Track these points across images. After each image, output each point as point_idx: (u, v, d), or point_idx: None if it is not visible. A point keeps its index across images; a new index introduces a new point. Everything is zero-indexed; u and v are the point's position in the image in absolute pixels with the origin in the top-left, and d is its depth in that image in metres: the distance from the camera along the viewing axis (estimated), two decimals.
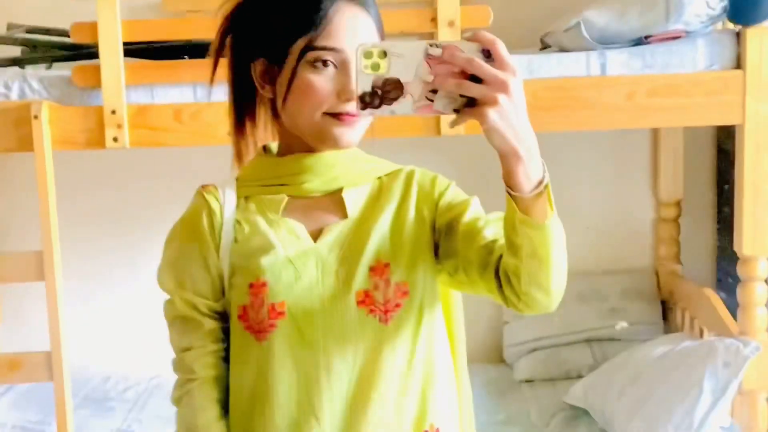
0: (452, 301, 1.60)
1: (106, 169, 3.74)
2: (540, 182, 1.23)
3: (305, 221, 1.48)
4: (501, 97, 1.16)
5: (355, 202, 1.50)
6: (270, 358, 1.43)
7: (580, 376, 3.39)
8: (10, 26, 3.33)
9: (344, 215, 1.49)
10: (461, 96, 1.19)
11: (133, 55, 2.79)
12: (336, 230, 1.48)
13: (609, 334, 3.59)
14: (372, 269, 1.44)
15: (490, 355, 3.81)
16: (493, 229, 1.41)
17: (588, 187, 3.81)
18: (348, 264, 1.45)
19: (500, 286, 1.35)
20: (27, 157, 2.65)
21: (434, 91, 1.20)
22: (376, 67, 1.20)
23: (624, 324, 3.34)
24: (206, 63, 2.44)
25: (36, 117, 2.56)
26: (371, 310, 1.43)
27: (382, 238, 1.46)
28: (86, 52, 2.80)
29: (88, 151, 2.89)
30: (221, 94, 2.66)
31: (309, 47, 1.39)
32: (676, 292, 3.65)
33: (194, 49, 2.79)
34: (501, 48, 1.18)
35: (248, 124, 1.53)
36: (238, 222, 1.48)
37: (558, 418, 3.16)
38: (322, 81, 1.39)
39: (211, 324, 1.49)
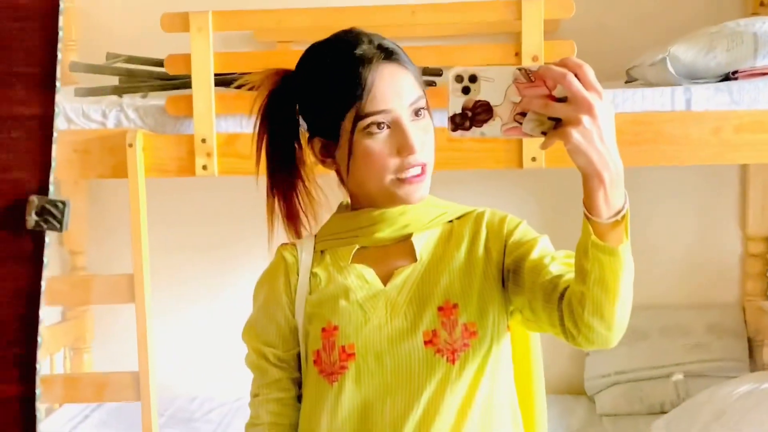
0: (531, 341, 1.62)
1: (197, 196, 3.83)
2: (619, 211, 1.25)
3: (376, 266, 1.53)
4: (585, 118, 1.18)
5: (425, 245, 1.54)
6: (340, 398, 1.47)
7: (663, 412, 3.36)
8: (109, 56, 3.44)
9: (414, 259, 1.53)
10: (549, 119, 1.22)
11: (225, 85, 2.86)
12: (405, 273, 1.52)
13: (694, 370, 3.54)
14: (440, 309, 1.48)
15: (571, 387, 3.79)
16: (558, 265, 1.42)
17: (675, 219, 3.78)
18: (416, 305, 1.49)
19: (561, 318, 1.36)
20: (122, 183, 2.74)
21: (523, 114, 1.24)
22: (466, 90, 1.25)
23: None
24: None
25: (131, 145, 2.66)
26: (438, 350, 1.46)
27: (450, 279, 1.50)
28: (180, 82, 2.89)
29: (181, 178, 2.99)
30: None
31: (359, 116, 1.44)
32: (762, 329, 3.59)
33: None
34: (588, 72, 1.20)
35: (294, 193, 1.61)
36: (313, 274, 1.55)
37: None
38: (379, 145, 1.44)
39: (277, 373, 1.57)
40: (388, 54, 1.47)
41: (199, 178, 2.92)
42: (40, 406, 1.08)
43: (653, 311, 3.73)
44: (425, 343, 1.46)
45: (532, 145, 2.65)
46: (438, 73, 2.88)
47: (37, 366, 1.07)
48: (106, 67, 3.24)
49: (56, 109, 0.94)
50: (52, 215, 1.02)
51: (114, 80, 3.16)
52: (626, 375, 3.60)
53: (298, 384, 1.57)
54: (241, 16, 2.73)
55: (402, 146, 1.44)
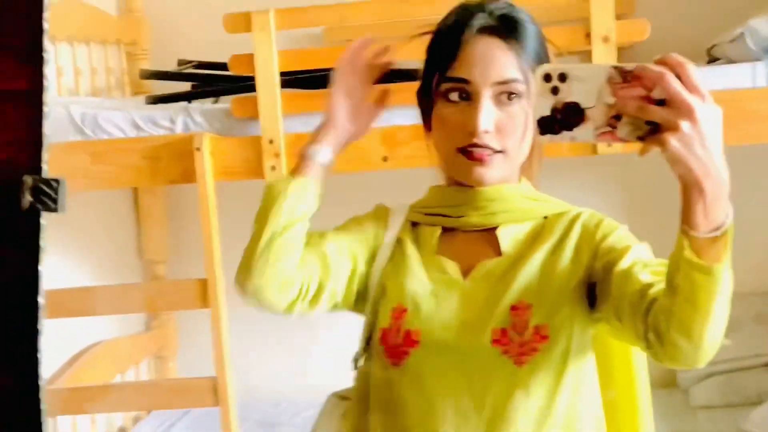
0: (632, 354, 1.52)
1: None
2: (719, 226, 1.14)
3: (459, 258, 1.47)
4: (684, 124, 1.07)
5: (512, 239, 1.47)
6: (401, 384, 1.42)
7: (760, 402, 3.23)
8: (181, 62, 3.46)
9: (498, 253, 1.46)
10: (646, 123, 1.12)
11: (293, 85, 2.84)
12: (486, 267, 1.46)
13: None
14: (513, 308, 1.40)
15: (664, 380, 3.67)
16: (649, 274, 1.31)
17: (765, 202, 3.64)
18: (491, 301, 1.41)
19: (646, 331, 1.26)
20: (192, 187, 2.73)
21: (618, 118, 1.13)
22: (555, 91, 1.15)
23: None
24: None
25: (198, 149, 2.65)
26: (505, 351, 1.38)
27: (529, 277, 1.42)
28: (248, 84, 2.87)
29: (257, 182, 2.97)
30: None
31: (441, 79, 1.41)
32: None
33: None
34: (690, 72, 1.09)
35: None
36: (399, 241, 1.50)
37: None
38: (452, 113, 1.41)
39: (322, 247, 1.47)
40: (498, 27, 1.41)
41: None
42: (42, 398, 1.04)
43: (747, 299, 3.60)
44: (493, 341, 1.38)
45: None
46: None
47: (38, 356, 1.03)
48: (176, 73, 3.25)
49: (46, 83, 0.91)
50: (47, 195, 0.99)
51: (186, 87, 3.16)
52: (721, 366, 3.46)
53: (316, 265, 1.46)
54: (304, 13, 2.70)
55: (468, 121, 1.38)
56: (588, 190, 3.55)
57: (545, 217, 1.49)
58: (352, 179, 3.40)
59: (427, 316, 1.42)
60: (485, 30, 1.41)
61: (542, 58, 1.45)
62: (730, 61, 2.72)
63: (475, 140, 1.38)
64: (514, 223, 1.48)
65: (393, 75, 2.78)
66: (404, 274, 1.47)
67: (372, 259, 1.51)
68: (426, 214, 1.52)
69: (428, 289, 1.44)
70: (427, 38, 1.50)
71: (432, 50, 1.47)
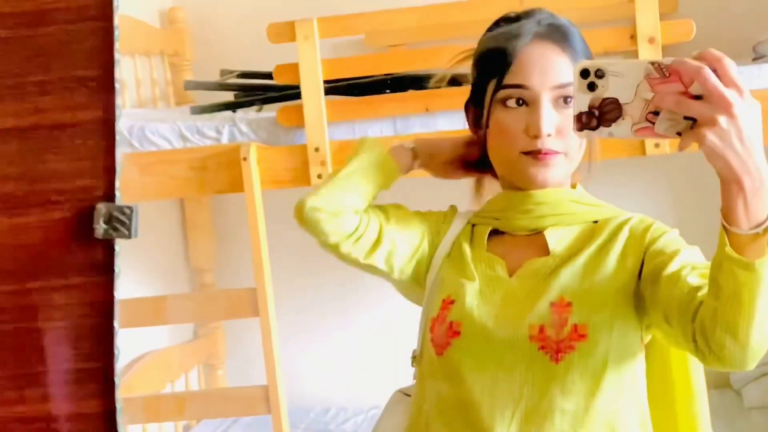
0: (689, 361, 1.50)
1: None
2: (761, 223, 1.13)
3: (507, 258, 1.49)
4: (721, 118, 1.07)
5: (559, 241, 1.47)
6: (444, 374, 1.44)
7: None
8: (223, 72, 3.47)
9: (546, 254, 1.47)
10: (685, 118, 1.12)
11: (338, 92, 2.85)
12: (534, 266, 1.46)
13: None
14: (552, 305, 1.40)
15: (716, 380, 3.64)
16: (697, 277, 1.30)
17: None
18: (532, 297, 1.42)
19: (694, 333, 1.24)
20: (241, 200, 2.74)
21: (656, 113, 1.13)
22: (592, 86, 1.16)
23: None
24: (405, 96, 2.51)
25: (245, 159, 2.66)
26: (542, 347, 1.38)
27: (572, 276, 1.42)
28: (292, 93, 2.88)
29: (298, 189, 2.98)
30: (419, 126, 2.69)
31: (498, 86, 1.43)
32: None
33: (395, 83, 2.81)
34: (728, 66, 1.09)
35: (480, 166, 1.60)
36: (455, 242, 1.53)
37: None
38: (512, 119, 1.42)
39: (380, 215, 1.55)
40: (549, 33, 1.44)
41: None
42: (121, 421, 1.05)
43: None
44: (530, 337, 1.39)
45: None
46: None
47: (116, 380, 1.04)
48: (219, 83, 3.27)
49: (117, 113, 0.93)
50: (121, 222, 1.01)
51: (230, 96, 3.18)
52: None
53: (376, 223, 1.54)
54: (347, 21, 2.70)
55: (530, 125, 1.40)
56: (636, 191, 3.53)
57: (595, 222, 1.49)
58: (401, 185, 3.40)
59: (469, 309, 1.43)
60: (538, 36, 1.43)
61: (590, 59, 1.44)
62: None
63: (538, 144, 1.40)
64: (561, 226, 1.48)
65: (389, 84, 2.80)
66: (457, 267, 1.50)
67: (434, 246, 1.55)
68: (482, 216, 1.55)
69: (476, 283, 1.46)
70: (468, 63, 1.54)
71: (484, 59, 1.48)
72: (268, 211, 2.79)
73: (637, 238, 1.43)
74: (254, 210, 2.66)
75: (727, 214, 1.13)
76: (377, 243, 1.53)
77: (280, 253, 3.46)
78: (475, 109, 1.51)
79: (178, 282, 3.92)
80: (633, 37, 2.53)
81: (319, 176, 2.67)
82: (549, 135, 1.40)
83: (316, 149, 2.67)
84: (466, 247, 1.52)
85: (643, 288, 1.39)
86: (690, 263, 1.34)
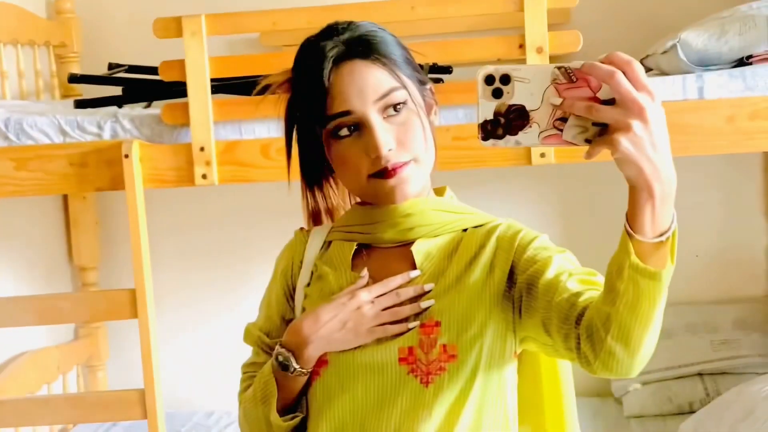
0: (558, 371, 1.50)
1: (198, 205, 3.78)
2: (665, 231, 1.12)
3: (373, 274, 1.45)
4: (635, 123, 1.04)
5: (427, 255, 1.44)
6: (313, 405, 1.41)
7: (692, 411, 3.25)
8: (111, 66, 3.39)
9: (414, 269, 1.44)
10: (594, 125, 1.09)
11: (226, 91, 2.79)
12: None
13: (721, 367, 3.44)
14: (422, 326, 1.38)
15: (598, 389, 3.69)
16: (576, 283, 1.29)
17: (697, 213, 3.66)
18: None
19: (578, 340, 1.24)
20: (121, 195, 2.68)
21: (563, 120, 1.10)
22: (498, 93, 1.11)
23: None
24: None
25: (127, 156, 2.59)
26: (412, 370, 1.36)
27: (440, 295, 1.39)
28: (182, 89, 2.82)
29: (181, 188, 2.92)
30: None
31: (324, 120, 1.38)
32: None
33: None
34: (638, 70, 1.07)
35: (318, 188, 1.55)
36: (315, 266, 1.49)
37: None
38: (349, 148, 1.38)
39: (264, 358, 1.53)
40: (351, 50, 1.38)
41: (205, 189, 2.85)
42: None
43: (678, 308, 3.62)
44: (400, 360, 1.37)
45: None
46: (448, 70, 2.79)
47: None
48: (105, 77, 3.19)
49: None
50: None
51: (117, 91, 3.10)
52: (653, 375, 3.48)
53: None
54: (235, 19, 2.65)
55: (369, 148, 1.36)
56: (522, 200, 3.56)
57: (465, 230, 1.47)
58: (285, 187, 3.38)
59: None
60: (341, 57, 1.38)
61: (407, 56, 1.44)
62: (663, 73, 2.73)
63: (383, 162, 1.36)
64: (430, 237, 1.45)
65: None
66: (320, 295, 1.46)
67: (291, 295, 1.53)
68: (345, 232, 1.50)
69: None
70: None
71: (300, 100, 1.43)
72: (151, 209, 2.73)
73: (505, 248, 1.41)
74: (135, 209, 2.59)
75: (633, 222, 1.11)
76: None
77: (164, 251, 3.40)
78: (308, 150, 1.47)
79: (60, 280, 3.82)
80: (522, 46, 2.53)
81: (204, 176, 2.61)
82: (390, 150, 1.36)
83: (201, 149, 2.61)
84: (327, 270, 1.48)
85: (517, 298, 1.37)
86: (566, 269, 1.32)
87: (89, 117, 2.73)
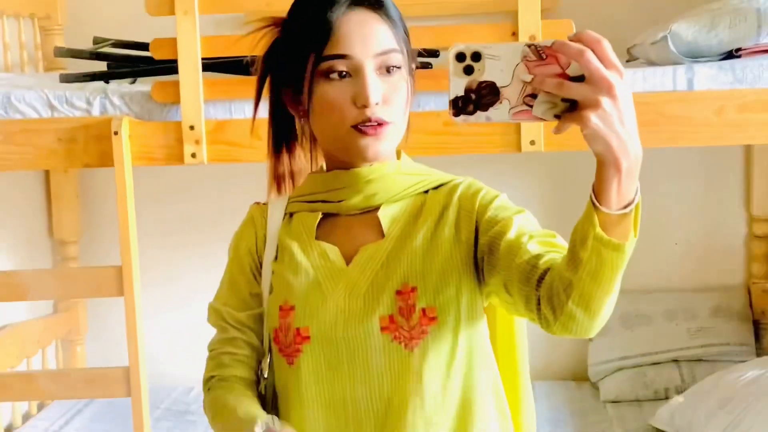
0: (512, 323, 1.53)
1: (185, 183, 3.78)
2: (629, 203, 1.13)
3: (340, 242, 1.45)
4: (604, 100, 1.05)
5: (393, 220, 1.45)
6: (298, 383, 1.41)
7: (667, 397, 3.30)
8: (96, 40, 3.36)
9: (381, 235, 1.44)
10: (563, 101, 1.10)
11: (216, 69, 2.79)
12: (369, 251, 1.43)
13: (698, 354, 3.49)
14: (398, 293, 1.39)
15: (575, 374, 3.73)
16: (537, 245, 1.31)
17: (678, 202, 3.71)
18: (376, 287, 1.40)
19: (538, 302, 1.26)
20: (109, 171, 2.67)
21: (533, 96, 1.11)
22: (469, 70, 1.12)
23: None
24: None
25: (116, 133, 2.58)
26: (395, 337, 1.37)
27: (412, 260, 1.40)
28: (168, 66, 2.81)
29: (175, 169, 2.92)
30: None
31: (319, 58, 1.36)
32: None
33: None
34: (607, 48, 1.08)
35: (290, 148, 1.55)
36: (280, 240, 1.49)
37: None
38: (338, 91, 1.36)
39: (234, 332, 1.50)
40: (366, 1, 1.38)
41: (193, 168, 2.84)
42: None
43: (657, 295, 3.68)
44: (382, 329, 1.38)
45: (531, 128, 2.57)
46: (434, 54, 2.79)
47: None
48: (92, 51, 3.16)
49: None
50: None
51: (102, 67, 3.08)
52: (630, 360, 3.54)
53: (253, 348, 1.50)
54: None
55: (358, 95, 1.35)
56: (510, 187, 3.57)
57: (426, 192, 1.48)
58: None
59: (314, 312, 1.41)
60: (354, 3, 1.38)
61: (407, 35, 1.44)
62: (651, 63, 2.75)
63: (368, 113, 1.35)
64: (394, 203, 1.46)
65: None
66: (288, 269, 1.45)
67: (258, 271, 1.51)
68: (306, 202, 1.50)
69: (312, 280, 1.43)
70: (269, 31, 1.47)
71: (300, 32, 1.40)
72: (136, 185, 2.72)
73: (467, 209, 1.42)
74: (123, 187, 2.58)
75: (600, 194, 1.12)
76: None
77: (147, 228, 3.39)
78: (293, 85, 1.43)
79: (40, 254, 3.81)
80: (514, 34, 2.54)
81: (193, 155, 2.61)
82: (377, 104, 1.36)
83: (191, 127, 2.60)
84: (291, 243, 1.47)
85: (480, 257, 1.39)
86: (527, 231, 1.34)
87: (78, 92, 2.71)
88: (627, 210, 1.13)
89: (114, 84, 2.86)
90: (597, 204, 1.13)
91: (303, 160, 1.55)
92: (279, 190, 1.55)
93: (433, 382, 1.38)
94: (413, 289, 1.38)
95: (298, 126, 1.53)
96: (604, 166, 1.10)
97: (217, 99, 2.65)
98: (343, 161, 1.44)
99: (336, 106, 1.36)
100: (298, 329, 1.40)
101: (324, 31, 1.36)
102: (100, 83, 2.85)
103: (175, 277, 3.86)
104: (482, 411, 1.42)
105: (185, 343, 3.89)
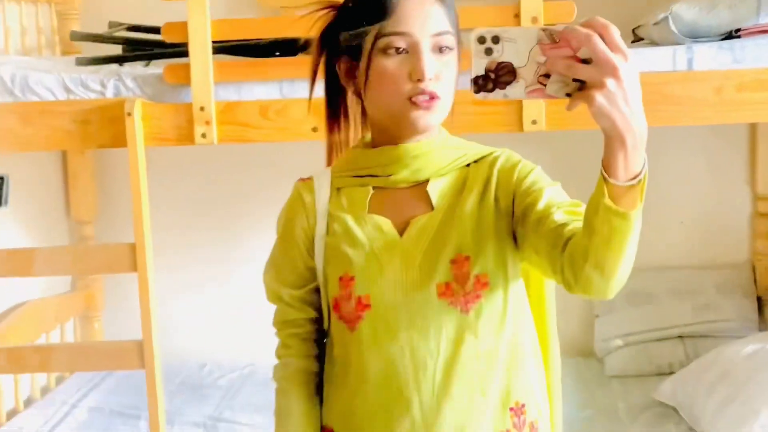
0: (543, 284, 1.65)
1: (198, 162, 3.86)
2: (636, 175, 1.23)
3: (392, 215, 1.55)
4: (609, 81, 1.16)
5: (440, 193, 1.55)
6: (360, 347, 1.52)
7: (671, 372, 3.36)
8: (111, 24, 3.44)
9: (430, 207, 1.54)
10: (573, 81, 1.21)
11: (227, 52, 2.85)
12: (420, 223, 1.53)
13: (702, 330, 3.54)
14: (453, 262, 1.50)
15: (581, 349, 3.79)
16: (563, 214, 1.43)
17: (683, 181, 3.76)
18: (430, 257, 1.51)
19: (562, 266, 1.38)
20: (125, 153, 2.74)
21: (547, 76, 1.22)
22: (489, 52, 1.23)
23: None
24: (292, 61, 2.52)
25: (129, 114, 2.65)
26: (452, 302, 1.49)
27: (463, 231, 1.51)
28: (180, 50, 2.88)
29: (187, 149, 2.99)
30: (304, 90, 2.72)
31: (379, 35, 1.46)
32: None
33: (285, 46, 2.83)
34: (614, 33, 1.18)
35: (340, 122, 1.65)
36: (330, 214, 1.58)
37: (646, 415, 3.14)
38: (395, 66, 1.46)
39: (292, 313, 1.64)
40: None
41: (205, 148, 2.92)
42: None
43: (662, 272, 3.73)
44: (439, 295, 1.49)
45: (533, 108, 2.63)
46: None
47: None
48: (107, 36, 3.24)
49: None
50: None
51: (117, 50, 3.16)
52: (635, 337, 3.60)
53: (314, 321, 1.63)
54: None
55: (414, 70, 1.45)
56: None
57: (468, 165, 1.58)
58: (283, 147, 3.45)
59: (374, 281, 1.51)
60: None
61: (457, 18, 1.53)
62: (654, 43, 2.80)
63: (422, 86, 1.45)
64: (441, 177, 1.56)
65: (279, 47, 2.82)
66: (344, 242, 1.55)
67: (312, 245, 1.60)
68: (353, 176, 1.59)
69: (369, 252, 1.53)
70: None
71: (362, 8, 1.51)
72: (151, 166, 2.80)
73: (506, 181, 1.53)
74: (136, 166, 2.66)
75: (608, 167, 1.23)
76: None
77: (162, 208, 3.47)
78: (350, 60, 1.54)
79: (58, 234, 3.89)
80: (517, 16, 2.60)
81: (204, 135, 2.68)
82: (431, 79, 1.45)
83: (202, 108, 2.67)
84: (344, 216, 1.57)
85: (515, 225, 1.51)
86: (556, 201, 1.46)
87: (93, 75, 2.79)
88: (634, 182, 1.23)
89: (128, 67, 2.93)
90: (606, 177, 1.24)
91: (353, 134, 1.66)
92: (332, 161, 1.67)
93: (487, 339, 1.50)
94: (467, 258, 1.50)
95: (350, 102, 1.63)
96: (611, 141, 1.21)
97: (227, 81, 2.72)
98: (392, 135, 1.54)
99: (393, 79, 1.46)
100: (359, 297, 1.52)
101: (386, 10, 1.46)
102: (114, 66, 2.93)
103: (186, 257, 3.94)
104: (528, 361, 1.56)
105: (199, 321, 3.99)
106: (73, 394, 3.50)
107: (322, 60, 1.60)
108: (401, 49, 1.46)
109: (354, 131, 1.65)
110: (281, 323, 1.66)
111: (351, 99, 1.62)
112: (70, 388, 3.57)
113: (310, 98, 1.64)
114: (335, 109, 1.64)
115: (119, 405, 3.40)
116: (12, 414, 3.31)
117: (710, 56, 2.64)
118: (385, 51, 1.46)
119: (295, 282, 1.62)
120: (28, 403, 3.45)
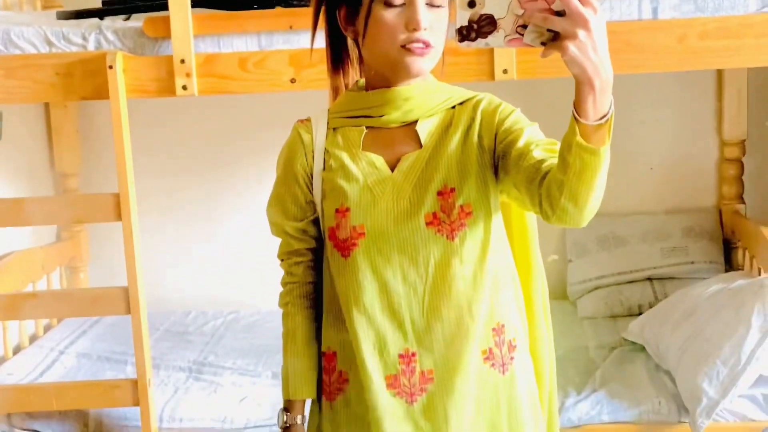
0: (525, 219, 1.80)
1: (180, 112, 3.94)
2: (604, 115, 1.38)
3: (384, 152, 1.71)
4: (580, 32, 1.30)
5: (428, 132, 1.70)
6: (355, 271, 1.67)
7: (641, 314, 3.48)
8: None
9: (419, 145, 1.69)
10: (548, 31, 1.34)
11: (206, 5, 2.91)
12: (410, 160, 1.69)
13: (670, 273, 3.65)
14: (439, 194, 1.65)
15: (555, 293, 3.83)
16: (541, 151, 1.56)
17: (653, 129, 3.85)
18: (419, 190, 1.66)
19: (540, 199, 1.52)
20: (105, 104, 2.80)
21: (524, 27, 1.35)
22: (472, 4, 1.36)
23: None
24: (270, 13, 2.61)
25: (111, 67, 2.71)
26: (438, 230, 1.64)
27: (448, 165, 1.66)
28: (160, 3, 2.92)
29: (169, 101, 3.05)
30: (282, 42, 2.79)
31: None
32: (737, 231, 3.70)
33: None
34: None
35: (343, 67, 1.78)
36: (327, 152, 1.73)
37: (615, 353, 3.26)
38: (392, 16, 1.60)
39: (295, 244, 1.80)
40: None
41: (186, 100, 2.98)
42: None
43: (632, 218, 3.83)
44: (427, 224, 1.65)
45: (504, 57, 2.71)
46: None
47: None
48: None
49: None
50: None
51: (97, 3, 3.19)
52: (606, 279, 3.72)
53: (314, 251, 1.79)
54: None
55: (410, 20, 1.58)
56: None
57: (453, 107, 1.72)
58: (263, 98, 3.53)
59: (367, 212, 1.67)
60: None
61: None
62: None
63: (417, 35, 1.58)
64: (428, 117, 1.70)
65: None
66: (340, 176, 1.70)
67: (310, 180, 1.75)
68: (348, 117, 1.74)
69: (363, 185, 1.68)
70: None
71: None
72: (133, 117, 2.86)
73: (489, 120, 1.68)
74: (119, 118, 2.72)
75: (579, 109, 1.38)
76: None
77: (145, 157, 3.55)
78: (349, 7, 1.67)
79: (42, 186, 3.96)
80: None
81: (184, 87, 2.74)
82: (425, 29, 1.59)
83: (182, 61, 2.74)
84: (340, 153, 1.71)
85: (497, 160, 1.66)
86: (534, 140, 1.60)
87: (74, 28, 2.84)
88: (602, 121, 1.39)
89: (108, 20, 2.97)
90: (577, 117, 1.39)
91: (352, 77, 1.80)
92: (337, 92, 1.81)
93: (472, 264, 1.66)
94: (452, 190, 1.66)
95: (349, 48, 1.76)
96: (581, 85, 1.36)
97: (206, 34, 2.78)
98: (386, 79, 1.68)
99: (390, 27, 1.60)
100: (354, 227, 1.67)
101: None
102: (95, 20, 2.97)
103: (170, 206, 4.03)
104: (505, 284, 1.71)
105: (184, 270, 4.07)
106: (61, 341, 3.59)
107: (320, 6, 1.73)
108: (401, 3, 1.59)
109: (352, 76, 1.79)
110: (286, 254, 1.81)
111: (351, 46, 1.76)
112: (58, 335, 3.66)
113: (311, 46, 1.78)
114: (337, 55, 1.77)
115: (106, 351, 3.49)
116: (1, 361, 3.40)
117: (674, 5, 2.71)
118: (383, 2, 1.59)
119: (297, 214, 1.77)
120: (17, 350, 3.53)
